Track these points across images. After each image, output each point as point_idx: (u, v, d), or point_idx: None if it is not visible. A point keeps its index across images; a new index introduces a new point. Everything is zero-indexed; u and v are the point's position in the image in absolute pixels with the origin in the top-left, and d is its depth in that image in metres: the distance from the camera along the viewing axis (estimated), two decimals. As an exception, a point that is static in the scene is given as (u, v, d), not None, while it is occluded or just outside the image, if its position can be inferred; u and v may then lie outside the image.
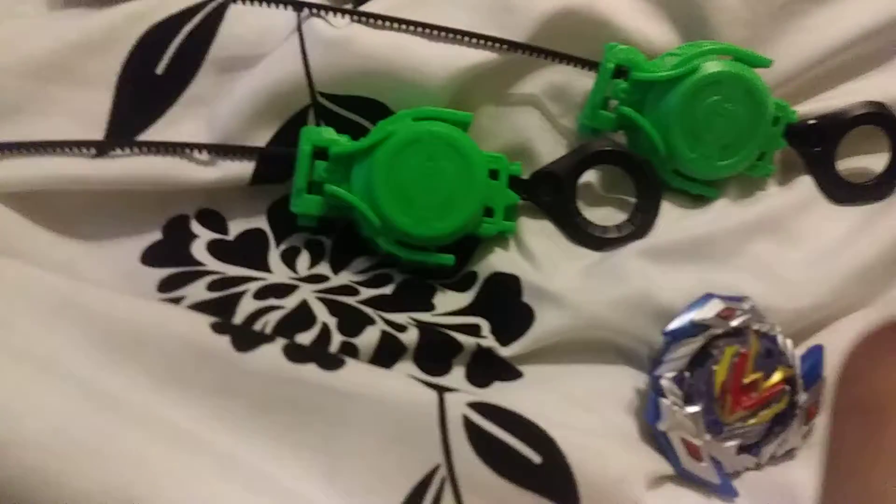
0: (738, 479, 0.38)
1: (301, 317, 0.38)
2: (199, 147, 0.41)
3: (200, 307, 0.38)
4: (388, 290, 0.41)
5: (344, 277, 0.41)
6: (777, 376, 0.37)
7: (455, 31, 0.42)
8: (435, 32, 0.42)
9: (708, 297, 0.38)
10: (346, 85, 0.41)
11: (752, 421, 0.37)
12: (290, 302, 0.39)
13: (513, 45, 0.42)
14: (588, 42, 0.44)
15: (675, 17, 0.45)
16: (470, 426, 0.34)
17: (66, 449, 0.28)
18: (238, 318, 0.38)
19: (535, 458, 0.34)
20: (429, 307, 0.41)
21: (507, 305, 0.41)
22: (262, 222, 0.42)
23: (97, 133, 0.41)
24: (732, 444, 0.37)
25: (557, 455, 0.34)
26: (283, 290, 0.40)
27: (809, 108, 0.46)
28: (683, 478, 0.37)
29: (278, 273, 0.41)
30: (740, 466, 0.37)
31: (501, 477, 0.33)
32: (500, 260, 0.42)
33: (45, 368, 0.31)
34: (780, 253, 0.42)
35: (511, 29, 0.43)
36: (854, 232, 0.43)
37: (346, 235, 0.43)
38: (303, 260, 0.42)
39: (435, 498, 0.33)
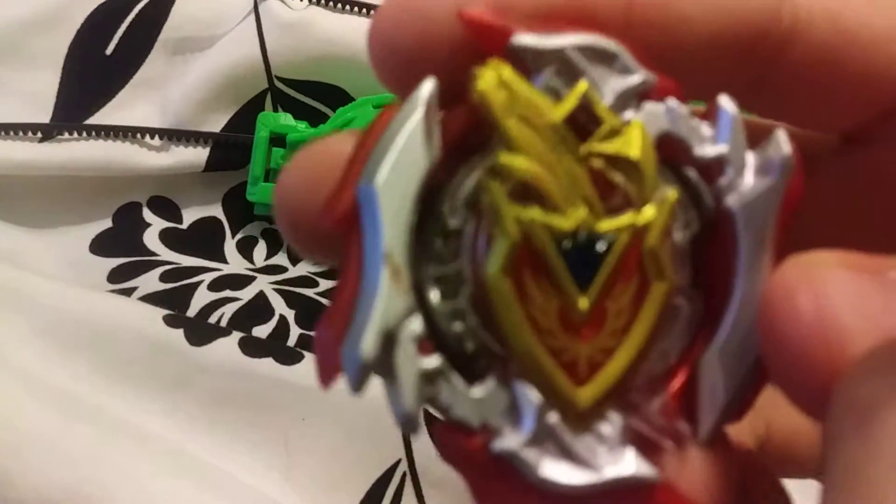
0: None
1: (258, 309, 0.38)
2: (151, 132, 0.39)
3: (153, 298, 0.37)
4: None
5: (302, 268, 0.40)
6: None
7: (417, 17, 0.41)
8: (396, 17, 0.41)
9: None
10: (304, 69, 0.40)
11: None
12: (247, 293, 0.38)
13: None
14: None
15: None
16: (430, 421, 0.34)
17: (15, 444, 0.28)
18: (192, 310, 0.37)
19: (496, 453, 0.34)
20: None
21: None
22: (216, 211, 0.41)
23: (43, 116, 0.39)
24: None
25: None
26: (239, 282, 0.39)
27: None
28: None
29: (234, 263, 0.40)
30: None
31: (462, 472, 0.33)
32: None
33: None
34: None
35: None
36: None
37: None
38: (259, 250, 0.41)
39: (396, 493, 0.33)
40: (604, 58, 0.14)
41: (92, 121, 0.39)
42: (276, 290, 0.39)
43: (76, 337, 0.32)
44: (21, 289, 0.33)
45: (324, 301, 0.39)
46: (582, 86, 0.14)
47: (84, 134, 0.38)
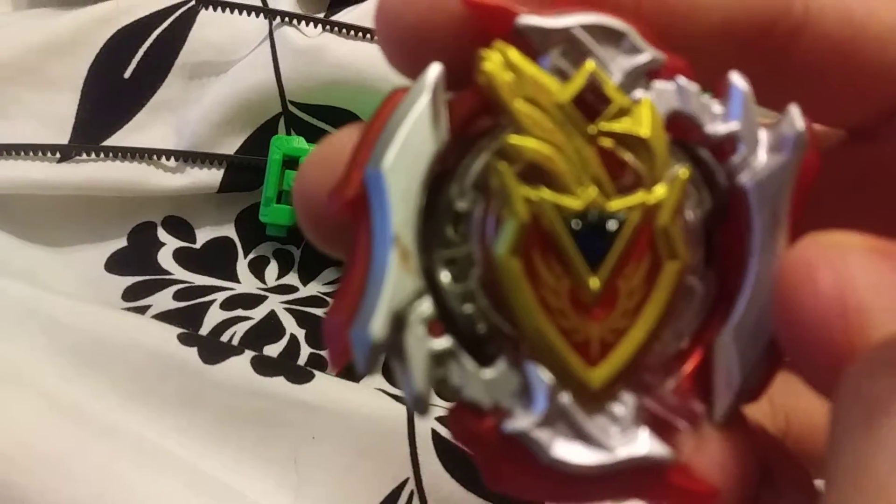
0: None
1: (269, 328, 0.38)
2: (167, 153, 0.40)
3: (167, 317, 0.37)
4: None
5: (312, 288, 0.41)
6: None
7: (428, 44, 0.42)
8: (408, 44, 0.42)
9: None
10: (317, 94, 0.41)
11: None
12: (258, 313, 0.39)
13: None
14: None
15: None
16: (438, 440, 0.34)
17: (32, 462, 0.28)
18: (205, 328, 0.38)
19: (503, 473, 0.34)
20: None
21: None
22: (229, 231, 0.42)
23: (62, 137, 0.40)
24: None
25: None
26: (250, 301, 0.39)
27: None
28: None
29: (246, 283, 0.40)
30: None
31: (469, 490, 0.34)
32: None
33: (9, 379, 0.30)
34: None
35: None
36: None
37: (315, 246, 0.42)
38: (271, 270, 0.41)
39: (403, 512, 0.33)
40: (611, 37, 0.14)
41: (109, 142, 0.40)
42: (287, 309, 0.39)
43: (92, 354, 0.33)
44: (38, 306, 0.33)
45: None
46: (589, 65, 0.14)
47: (101, 155, 0.39)
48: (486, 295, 0.14)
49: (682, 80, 0.14)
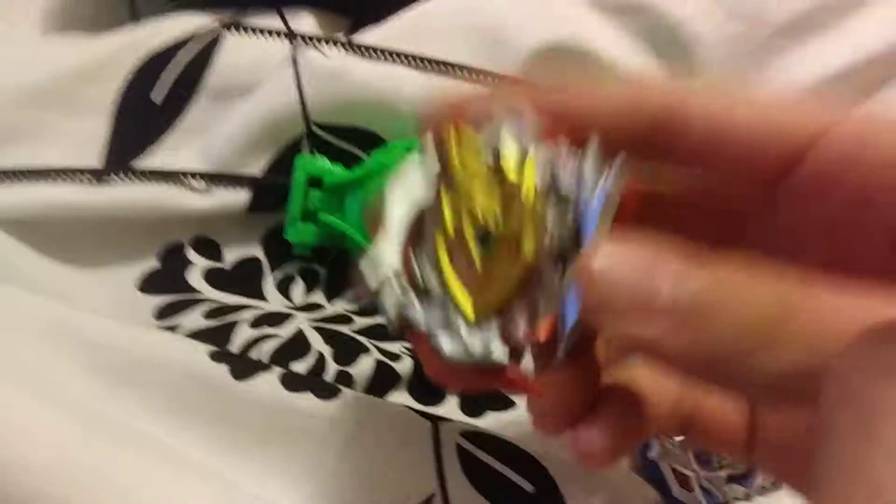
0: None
1: (296, 346, 0.39)
2: (195, 175, 0.41)
3: (197, 335, 0.38)
4: (382, 319, 0.42)
5: (338, 306, 0.42)
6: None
7: (448, 64, 0.43)
8: (428, 64, 0.43)
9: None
10: (340, 115, 0.42)
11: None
12: (286, 331, 0.39)
13: (503, 79, 0.43)
14: (576, 75, 0.45)
15: (660, 51, 0.46)
16: (464, 455, 0.35)
17: (67, 474, 0.29)
18: (234, 346, 0.38)
19: (528, 487, 0.35)
20: (422, 336, 0.41)
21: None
22: (256, 250, 0.43)
23: (95, 160, 0.41)
24: (723, 473, 0.38)
25: (549, 484, 0.35)
26: (278, 319, 0.40)
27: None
28: (673, 506, 0.38)
29: (273, 301, 0.41)
30: (730, 496, 0.38)
31: (495, 506, 0.34)
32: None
33: (43, 393, 0.31)
34: None
35: (502, 62, 0.43)
36: None
37: (341, 264, 0.43)
38: (297, 288, 0.42)
39: (430, 527, 0.34)
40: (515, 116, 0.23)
41: (139, 165, 0.41)
42: (313, 327, 0.40)
43: (126, 372, 0.34)
44: (72, 325, 0.34)
45: (359, 338, 0.40)
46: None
47: (133, 177, 0.40)
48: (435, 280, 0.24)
49: (560, 140, 0.22)
